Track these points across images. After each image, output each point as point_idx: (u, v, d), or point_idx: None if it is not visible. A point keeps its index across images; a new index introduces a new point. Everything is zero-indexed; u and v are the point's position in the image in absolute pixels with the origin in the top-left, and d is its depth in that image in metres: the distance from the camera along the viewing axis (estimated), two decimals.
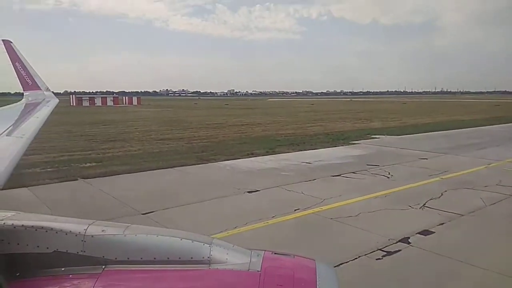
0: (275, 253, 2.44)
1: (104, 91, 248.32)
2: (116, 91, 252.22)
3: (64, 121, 40.89)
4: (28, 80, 12.12)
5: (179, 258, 2.26)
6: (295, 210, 10.01)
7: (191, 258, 2.26)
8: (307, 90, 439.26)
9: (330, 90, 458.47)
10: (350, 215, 9.55)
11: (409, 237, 8.10)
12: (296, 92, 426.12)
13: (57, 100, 12.13)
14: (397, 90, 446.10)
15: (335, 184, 13.06)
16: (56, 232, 2.27)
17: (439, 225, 8.91)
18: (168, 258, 2.26)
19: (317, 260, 2.43)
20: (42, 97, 11.57)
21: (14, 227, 2.27)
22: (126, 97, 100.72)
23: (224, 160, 16.88)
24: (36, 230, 2.27)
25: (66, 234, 2.26)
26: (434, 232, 8.48)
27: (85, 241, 2.24)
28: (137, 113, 59.30)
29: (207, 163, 16.47)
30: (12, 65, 12.01)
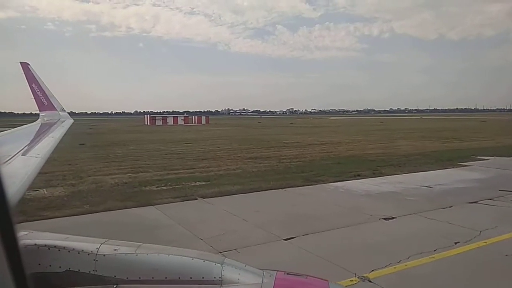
0: (287, 274, 2.42)
1: (170, 111, 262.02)
2: (180, 110, 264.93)
3: (148, 139, 43.08)
4: (44, 101, 12.46)
5: (191, 277, 2.22)
6: (455, 243, 8.77)
7: (203, 278, 2.22)
8: (369, 108, 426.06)
9: (394, 108, 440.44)
10: None
11: None
12: (357, 110, 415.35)
13: (71, 120, 12.31)
14: (467, 107, 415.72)
15: (479, 212, 11.52)
16: (69, 251, 2.26)
17: None
18: (179, 277, 2.23)
19: (330, 280, 2.37)
20: (57, 117, 11.77)
21: (27, 246, 2.24)
22: (195, 117, 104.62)
23: (333, 182, 15.97)
24: (49, 249, 2.26)
25: (79, 253, 2.26)
26: None
27: (97, 260, 2.24)
28: (210, 131, 60.84)
29: (315, 184, 15.69)
30: (29, 86, 12.38)
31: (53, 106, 12.62)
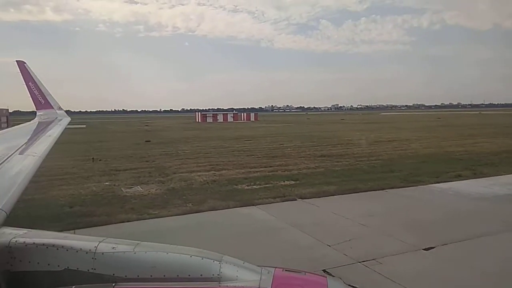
0: (285, 270, 2.41)
1: (215, 108, 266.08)
2: (225, 108, 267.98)
3: (207, 136, 43.39)
4: (40, 99, 12.15)
5: (189, 275, 2.23)
6: None
7: (201, 275, 2.23)
8: (419, 103, 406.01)
9: (445, 103, 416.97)
10: None
11: None
12: (406, 105, 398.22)
13: (69, 119, 11.92)
14: None
15: None
16: (67, 250, 2.27)
17: None
18: (177, 275, 2.23)
19: (328, 277, 2.42)
20: (54, 116, 11.53)
21: (26, 245, 2.28)
22: (244, 114, 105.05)
23: (435, 183, 14.71)
24: (47, 247, 2.28)
25: (77, 251, 2.27)
26: None
27: (95, 259, 2.24)
28: (263, 128, 60.50)
29: (416, 185, 14.51)
30: (25, 85, 12.00)
31: (50, 104, 12.43)
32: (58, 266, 2.25)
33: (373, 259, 7.65)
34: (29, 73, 12.26)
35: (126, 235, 8.86)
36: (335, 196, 12.94)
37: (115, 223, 10.16)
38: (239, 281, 2.24)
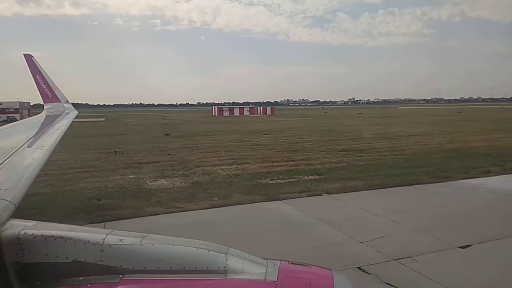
0: (291, 263, 2.42)
1: (231, 102, 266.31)
2: (240, 101, 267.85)
3: (225, 129, 43.43)
4: (48, 93, 12.13)
5: (195, 267, 2.24)
6: None
7: (207, 267, 2.25)
8: (438, 97, 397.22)
9: (465, 97, 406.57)
10: None
11: None
12: (424, 99, 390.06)
13: (76, 112, 11.88)
14: None
15: None
16: (75, 242, 2.29)
17: None
18: (184, 267, 2.24)
19: (334, 270, 2.39)
20: (61, 109, 11.54)
21: (34, 237, 2.30)
22: (260, 107, 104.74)
23: (464, 179, 14.31)
24: (55, 239, 2.29)
25: (85, 243, 2.29)
26: None
27: (103, 251, 2.26)
28: (281, 122, 60.19)
29: (444, 181, 14.14)
30: (33, 78, 11.97)
31: (57, 98, 12.45)
32: (66, 258, 2.28)
33: (408, 257, 7.46)
34: (37, 66, 12.30)
35: (155, 229, 8.93)
36: (362, 192, 12.72)
37: (143, 216, 10.21)
38: (245, 273, 2.25)
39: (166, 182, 14.27)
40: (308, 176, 15.25)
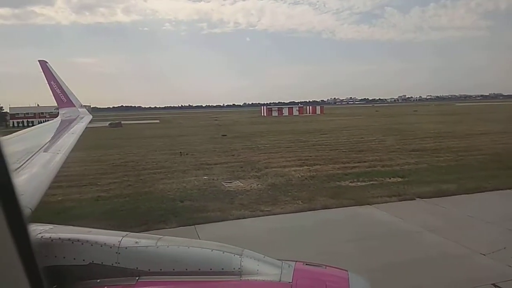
0: (306, 264, 2.41)
1: (277, 101, 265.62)
2: (286, 101, 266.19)
3: (278, 130, 42.93)
4: (62, 98, 12.18)
5: (210, 269, 2.25)
6: None
7: (222, 269, 2.25)
8: (496, 93, 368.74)
9: None
10: None
11: None
12: (481, 95, 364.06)
13: (90, 116, 11.83)
14: None
15: None
16: (92, 245, 2.32)
17: None
18: (199, 269, 2.26)
19: (350, 270, 2.34)
20: (76, 114, 11.62)
21: (52, 240, 2.33)
22: (310, 107, 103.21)
23: None
24: (72, 242, 2.32)
25: (101, 246, 2.32)
26: None
27: (119, 253, 2.28)
28: (334, 121, 58.65)
29: None
30: (47, 84, 11.99)
31: (72, 102, 12.55)
32: (83, 260, 2.29)
33: None
34: (51, 72, 12.52)
35: (252, 233, 8.55)
36: (460, 196, 11.64)
37: (231, 219, 9.92)
38: (260, 275, 2.24)
39: (242, 184, 13.99)
40: (389, 178, 14.29)
